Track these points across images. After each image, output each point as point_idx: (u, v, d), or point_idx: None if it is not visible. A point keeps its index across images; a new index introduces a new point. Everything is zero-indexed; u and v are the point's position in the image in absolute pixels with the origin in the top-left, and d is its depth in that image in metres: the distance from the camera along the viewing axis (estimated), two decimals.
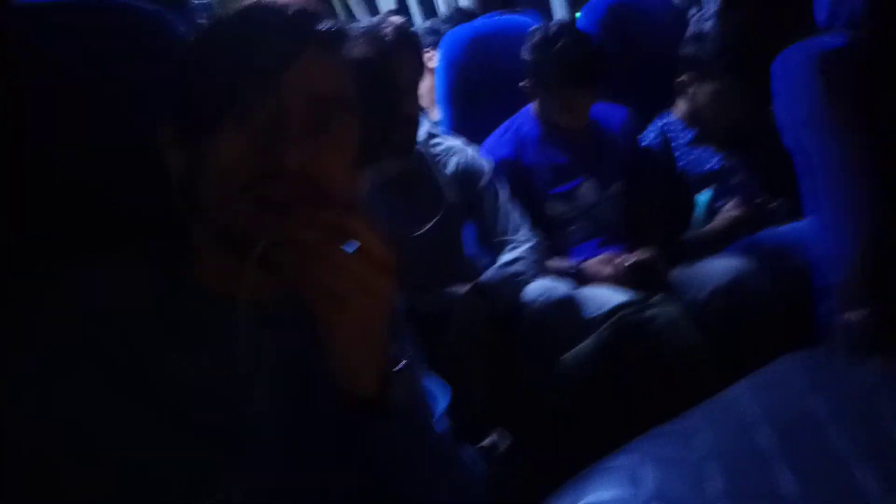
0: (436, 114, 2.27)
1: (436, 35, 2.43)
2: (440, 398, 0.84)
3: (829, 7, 1.27)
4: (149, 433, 0.58)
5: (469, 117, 2.08)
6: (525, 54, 1.84)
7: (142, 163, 0.65)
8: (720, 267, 1.65)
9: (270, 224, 0.54)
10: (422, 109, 2.51)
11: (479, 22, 2.24)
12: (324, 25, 0.64)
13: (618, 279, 1.71)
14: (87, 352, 0.57)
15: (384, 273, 0.55)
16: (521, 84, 1.88)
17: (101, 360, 0.57)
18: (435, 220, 0.73)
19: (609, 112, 1.98)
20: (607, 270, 1.74)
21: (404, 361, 0.64)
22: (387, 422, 0.62)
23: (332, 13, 0.67)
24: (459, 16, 2.76)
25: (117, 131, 0.68)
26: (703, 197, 1.95)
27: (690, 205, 1.96)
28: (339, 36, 0.65)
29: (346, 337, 0.57)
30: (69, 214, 0.69)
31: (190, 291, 0.64)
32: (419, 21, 3.84)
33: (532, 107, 1.93)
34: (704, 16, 2.26)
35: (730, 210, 1.91)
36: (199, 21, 0.71)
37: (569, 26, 1.86)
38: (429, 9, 3.90)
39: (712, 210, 1.94)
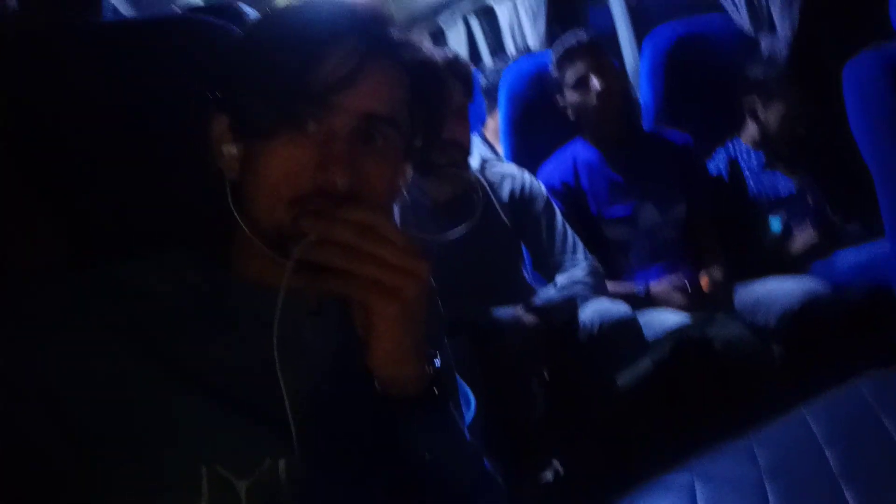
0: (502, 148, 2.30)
1: None
2: (468, 407, 0.84)
3: None
4: (196, 412, 0.61)
5: (530, 150, 2.09)
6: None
7: (192, 161, 0.67)
8: (790, 288, 1.59)
9: (311, 228, 0.57)
10: (489, 144, 2.56)
11: (540, 56, 2.26)
12: (392, 34, 0.64)
13: (689, 305, 1.67)
14: (137, 340, 0.61)
15: (421, 261, 0.58)
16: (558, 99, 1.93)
17: (150, 347, 0.61)
18: (467, 224, 0.73)
19: (669, 136, 1.97)
20: (679, 296, 1.69)
21: (439, 358, 0.65)
22: (422, 416, 0.63)
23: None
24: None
25: (167, 133, 0.71)
26: (776, 221, 1.90)
27: (762, 229, 1.90)
28: (405, 47, 0.65)
29: (392, 325, 0.59)
30: (121, 213, 0.73)
31: (231, 285, 0.67)
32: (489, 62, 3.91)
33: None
34: (777, 40, 2.20)
35: (803, 234, 1.85)
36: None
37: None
38: (500, 52, 3.98)
39: (785, 234, 1.89)
